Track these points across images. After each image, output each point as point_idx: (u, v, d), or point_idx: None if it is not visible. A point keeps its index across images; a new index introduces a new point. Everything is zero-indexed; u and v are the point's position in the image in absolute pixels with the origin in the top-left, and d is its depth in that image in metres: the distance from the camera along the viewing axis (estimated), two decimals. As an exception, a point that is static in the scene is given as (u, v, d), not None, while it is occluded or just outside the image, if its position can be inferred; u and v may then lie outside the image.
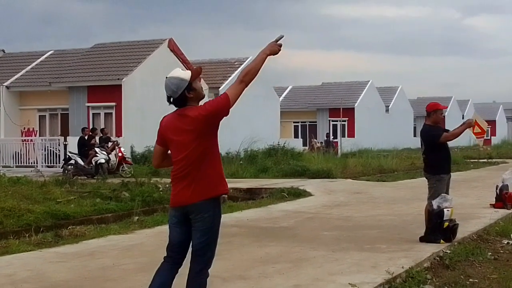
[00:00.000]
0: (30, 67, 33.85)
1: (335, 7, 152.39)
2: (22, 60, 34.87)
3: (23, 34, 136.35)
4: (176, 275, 5.50)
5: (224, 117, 5.09)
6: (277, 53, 5.15)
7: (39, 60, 34.47)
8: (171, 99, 5.22)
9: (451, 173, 10.38)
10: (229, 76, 36.73)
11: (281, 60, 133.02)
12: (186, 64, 32.73)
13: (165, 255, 5.52)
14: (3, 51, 36.67)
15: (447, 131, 10.17)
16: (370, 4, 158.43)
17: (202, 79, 33.42)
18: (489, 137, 65.27)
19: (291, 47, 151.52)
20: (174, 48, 32.25)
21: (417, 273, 7.77)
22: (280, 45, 5.16)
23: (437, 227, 9.93)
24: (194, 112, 5.13)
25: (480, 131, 11.21)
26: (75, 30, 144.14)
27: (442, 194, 9.95)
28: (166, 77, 5.21)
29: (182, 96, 5.16)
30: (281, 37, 5.07)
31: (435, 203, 9.91)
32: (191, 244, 5.36)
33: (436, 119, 10.13)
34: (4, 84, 31.97)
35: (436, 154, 10.02)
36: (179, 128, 5.18)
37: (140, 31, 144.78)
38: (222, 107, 5.06)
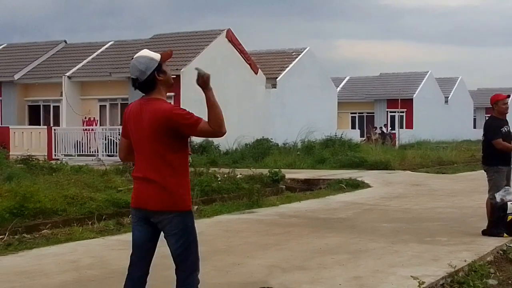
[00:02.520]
0: (91, 57, 34.42)
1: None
2: (83, 50, 35.49)
3: (85, 25, 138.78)
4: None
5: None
6: (207, 83, 4.58)
7: (99, 51, 35.02)
8: (137, 83, 4.68)
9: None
10: (287, 67, 36.65)
11: (339, 51, 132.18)
12: (243, 54, 32.83)
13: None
14: (65, 42, 37.38)
15: None
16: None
17: (259, 69, 33.49)
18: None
19: (349, 38, 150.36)
20: (232, 39, 32.34)
21: (480, 267, 7.64)
22: (203, 76, 4.58)
23: (500, 220, 9.75)
24: (161, 104, 4.62)
25: None
26: (134, 21, 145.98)
27: (506, 187, 9.77)
28: (133, 58, 4.73)
29: (151, 78, 4.63)
30: (198, 71, 4.58)
31: (498, 196, 9.73)
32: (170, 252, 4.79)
33: (499, 110, 9.94)
34: (66, 74, 32.59)
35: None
36: (139, 119, 4.67)
37: (199, 21, 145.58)
38: (191, 122, 4.51)
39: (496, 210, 9.78)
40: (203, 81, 4.60)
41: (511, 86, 70.49)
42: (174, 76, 4.97)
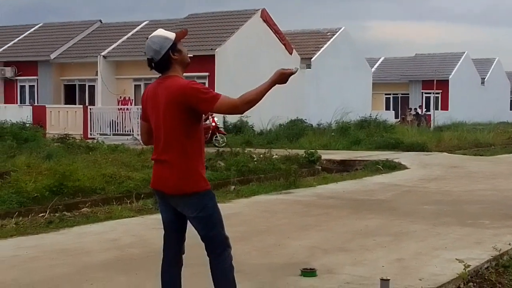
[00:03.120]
0: (126, 37, 34.50)
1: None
2: (118, 30, 35.60)
3: (116, 7, 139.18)
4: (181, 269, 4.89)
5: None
6: (285, 83, 4.46)
7: (134, 30, 35.07)
8: (153, 63, 4.60)
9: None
10: (321, 47, 36.42)
11: (371, 32, 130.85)
12: (278, 34, 32.65)
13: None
14: (100, 21, 37.52)
15: None
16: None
17: (293, 50, 33.29)
18: None
19: (382, 18, 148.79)
20: (266, 18, 32.17)
21: (526, 251, 7.50)
22: (291, 74, 4.43)
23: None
24: (177, 80, 4.56)
25: None
26: (166, 2, 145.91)
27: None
28: (147, 38, 4.65)
29: (166, 57, 4.55)
30: (296, 70, 4.42)
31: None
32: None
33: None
34: (101, 54, 32.73)
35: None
36: (156, 99, 4.60)
37: (230, 3, 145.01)
38: (209, 97, 4.42)
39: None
40: (286, 77, 4.45)
41: (549, 67, 69.46)
42: (191, 56, 4.90)
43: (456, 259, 6.63)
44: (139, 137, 25.53)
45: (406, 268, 6.74)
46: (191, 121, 4.54)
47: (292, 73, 4.43)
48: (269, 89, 4.46)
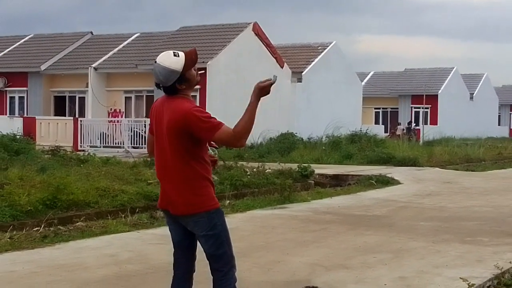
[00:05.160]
0: (117, 49, 34.37)
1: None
2: (109, 42, 35.48)
3: (107, 18, 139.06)
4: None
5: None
6: (268, 93, 4.41)
7: (125, 43, 34.96)
8: (160, 85, 4.55)
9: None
10: (312, 61, 36.43)
11: (362, 46, 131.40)
12: (270, 48, 32.64)
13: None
14: (91, 33, 37.40)
15: None
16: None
17: (284, 63, 33.27)
18: None
19: (372, 32, 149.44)
20: (258, 32, 32.17)
21: (527, 269, 7.46)
22: (270, 85, 4.40)
23: (542, 221, 9.55)
24: (182, 103, 4.45)
25: None
26: (157, 15, 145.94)
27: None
28: (155, 62, 4.52)
29: (172, 86, 4.49)
30: (275, 78, 4.40)
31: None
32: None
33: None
34: (92, 65, 32.59)
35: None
36: (161, 117, 4.55)
37: (221, 15, 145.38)
38: (209, 126, 4.34)
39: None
40: (267, 89, 4.41)
41: (536, 83, 69.92)
42: (202, 72, 4.81)
43: (460, 278, 6.57)
44: (130, 150, 25.44)
45: (409, 286, 6.69)
46: (193, 144, 4.49)
47: (271, 84, 4.40)
48: (257, 106, 4.39)
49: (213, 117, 4.43)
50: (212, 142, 4.70)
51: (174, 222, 4.70)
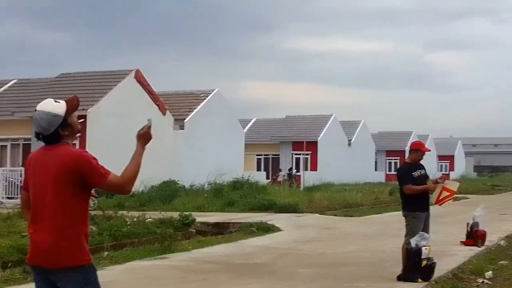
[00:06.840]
0: (-8, 96, 33.21)
1: (301, 40, 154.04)
2: (-17, 88, 34.21)
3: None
4: None
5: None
6: (151, 138, 4.53)
7: (2, 89, 33.76)
8: (40, 136, 4.42)
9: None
10: (195, 108, 36.57)
11: (246, 92, 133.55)
12: (152, 95, 32.54)
13: None
14: (-36, 79, 35.98)
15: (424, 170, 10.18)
16: (337, 38, 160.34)
17: (167, 111, 33.25)
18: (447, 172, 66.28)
19: (256, 79, 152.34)
20: (140, 79, 32.01)
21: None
22: (149, 129, 4.54)
23: (415, 265, 9.84)
24: (69, 149, 4.40)
25: (448, 194, 10.60)
26: (38, 58, 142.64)
27: (420, 232, 9.89)
28: (35, 110, 4.41)
29: (55, 133, 4.39)
30: (150, 122, 4.53)
31: (413, 242, 9.84)
32: None
33: (415, 158, 10.18)
34: (-36, 112, 31.28)
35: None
36: (43, 167, 4.39)
37: (107, 61, 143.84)
38: (100, 172, 4.30)
39: (411, 255, 9.86)
40: (148, 135, 4.50)
41: (410, 130, 73.18)
42: (82, 120, 4.74)
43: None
44: (5, 200, 24.40)
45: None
46: (80, 192, 4.38)
47: (149, 127, 4.53)
48: (142, 153, 4.50)
49: (100, 165, 4.39)
50: (92, 191, 4.57)
51: (42, 279, 4.44)
